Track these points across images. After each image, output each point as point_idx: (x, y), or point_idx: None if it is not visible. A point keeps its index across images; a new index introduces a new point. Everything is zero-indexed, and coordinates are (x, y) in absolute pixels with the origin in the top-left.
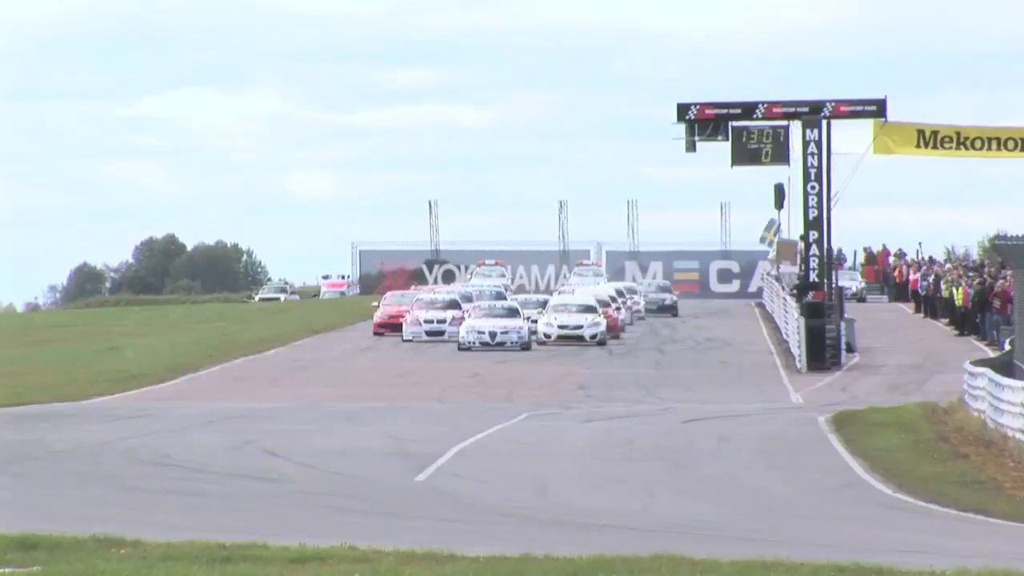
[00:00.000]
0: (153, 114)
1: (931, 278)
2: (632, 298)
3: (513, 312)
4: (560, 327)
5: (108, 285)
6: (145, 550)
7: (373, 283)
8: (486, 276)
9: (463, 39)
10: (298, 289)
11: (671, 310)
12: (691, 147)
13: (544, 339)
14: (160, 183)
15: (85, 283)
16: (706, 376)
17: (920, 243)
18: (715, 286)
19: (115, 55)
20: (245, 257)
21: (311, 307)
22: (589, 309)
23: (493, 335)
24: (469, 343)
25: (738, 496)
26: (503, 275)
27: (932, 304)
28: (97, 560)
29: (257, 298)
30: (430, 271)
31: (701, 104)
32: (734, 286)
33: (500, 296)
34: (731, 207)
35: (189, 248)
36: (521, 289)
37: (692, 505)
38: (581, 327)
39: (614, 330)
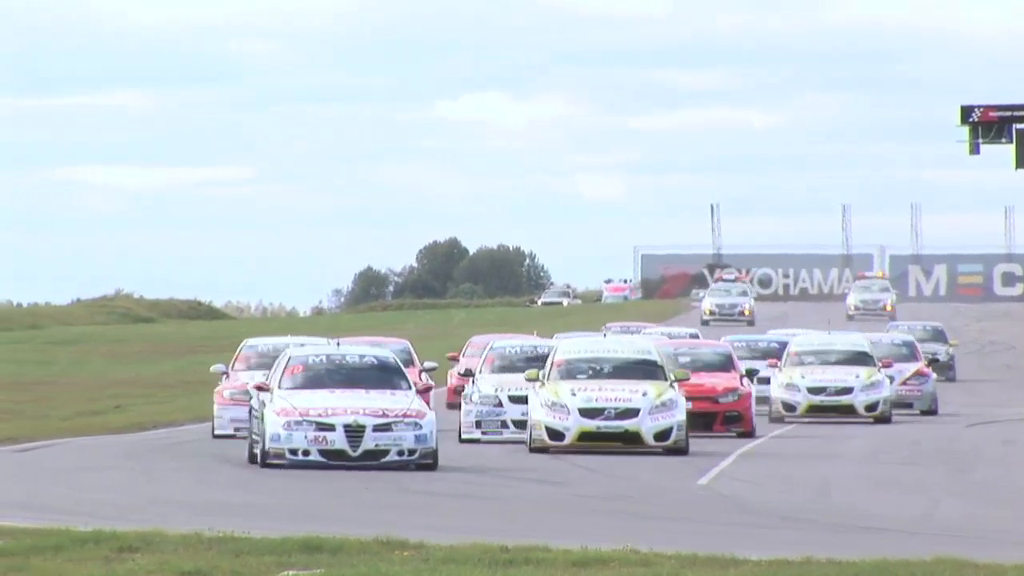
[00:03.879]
0: (444, 116)
1: None
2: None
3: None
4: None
5: (391, 289)
6: (428, 552)
7: (654, 287)
8: (725, 293)
9: (752, 41)
10: (580, 294)
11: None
12: (974, 150)
13: (784, 413)
14: (444, 186)
15: (369, 287)
16: (990, 380)
17: None
18: (999, 290)
19: (407, 59)
20: (527, 261)
21: (593, 311)
22: (860, 359)
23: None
24: None
25: (1022, 500)
26: (745, 292)
27: None
28: (380, 562)
29: (540, 302)
30: (711, 275)
31: (985, 107)
32: (1018, 289)
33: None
34: (1015, 210)
35: (472, 252)
36: (804, 294)
37: (974, 509)
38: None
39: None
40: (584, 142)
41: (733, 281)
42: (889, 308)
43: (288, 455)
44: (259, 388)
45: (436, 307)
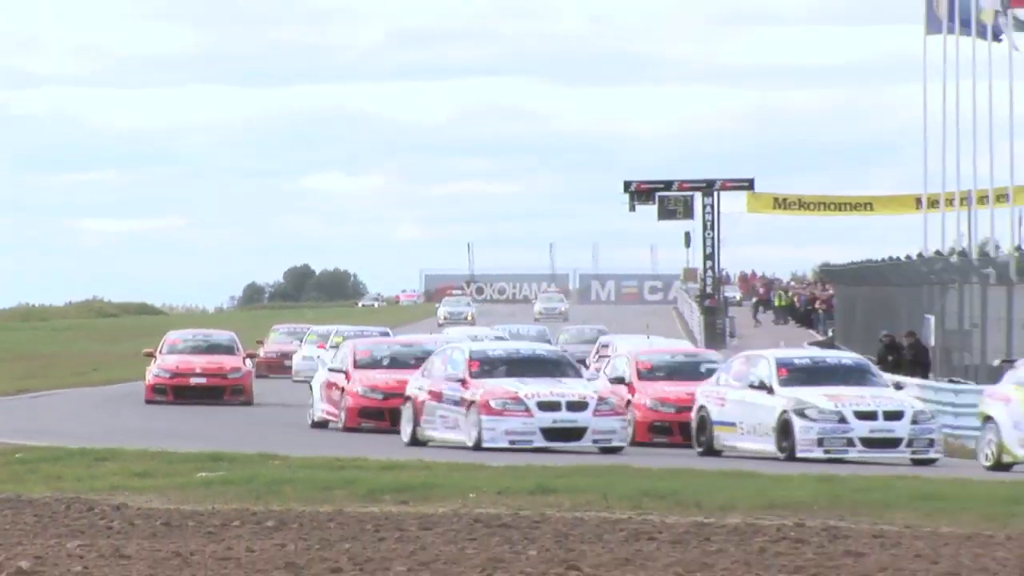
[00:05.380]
0: (307, 187)
1: (776, 290)
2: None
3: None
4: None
5: (267, 295)
6: (291, 461)
7: (431, 295)
8: (455, 303)
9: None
10: (386, 298)
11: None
12: (632, 208)
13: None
14: (301, 228)
15: (253, 294)
16: None
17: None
18: (647, 297)
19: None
20: (352, 278)
21: (395, 311)
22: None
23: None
24: None
25: None
26: (468, 304)
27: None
28: (260, 467)
29: (360, 304)
30: (467, 288)
31: (639, 181)
32: (659, 296)
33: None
34: (657, 247)
35: (318, 272)
36: (525, 299)
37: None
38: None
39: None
40: (396, 204)
41: (461, 295)
42: (563, 311)
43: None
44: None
45: (294, 308)
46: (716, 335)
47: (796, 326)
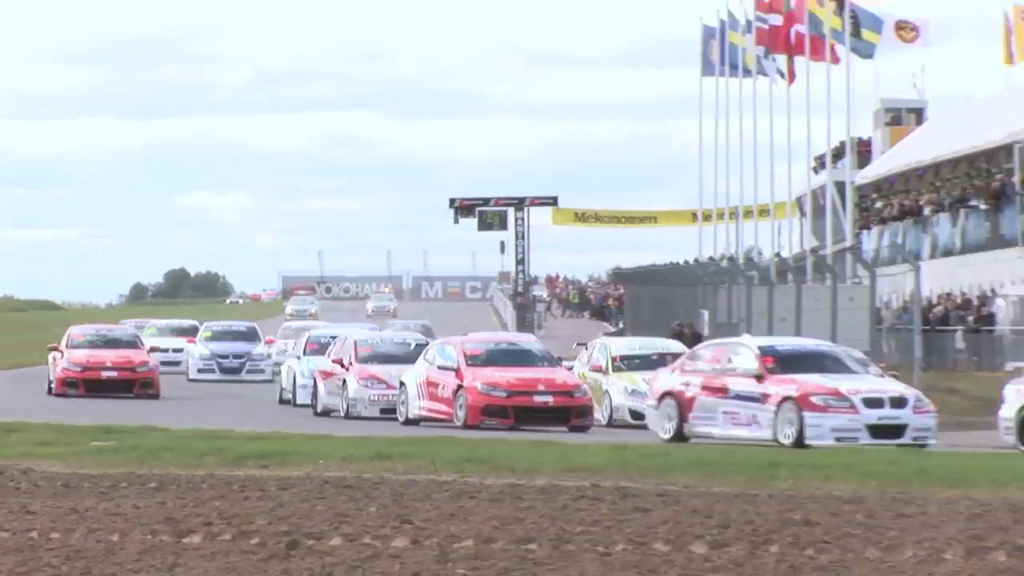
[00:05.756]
0: (183, 204)
1: (568, 290)
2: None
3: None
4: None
5: (151, 294)
6: (171, 432)
7: (288, 293)
8: (300, 301)
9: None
10: (247, 296)
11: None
12: (456, 221)
13: None
14: (179, 241)
15: (139, 293)
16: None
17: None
18: (468, 295)
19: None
20: (221, 279)
21: (259, 306)
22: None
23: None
24: None
25: None
26: (313, 303)
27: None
28: (143, 437)
29: (228, 301)
30: (319, 288)
31: (462, 198)
32: (478, 295)
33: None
34: (477, 254)
35: (192, 274)
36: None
37: None
38: None
39: None
40: (258, 218)
41: (305, 295)
42: (392, 310)
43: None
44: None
45: (173, 304)
46: (526, 327)
47: (591, 319)
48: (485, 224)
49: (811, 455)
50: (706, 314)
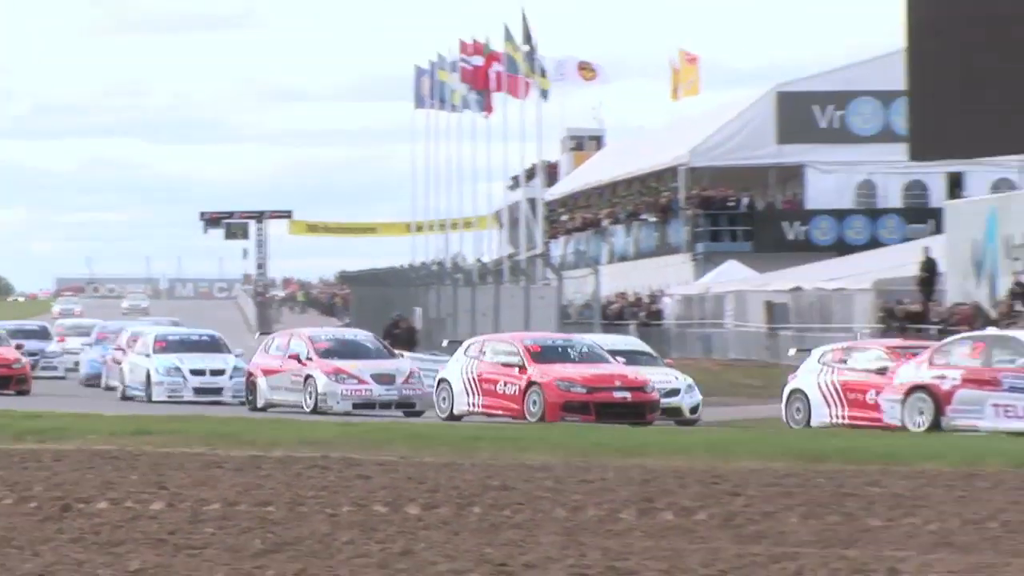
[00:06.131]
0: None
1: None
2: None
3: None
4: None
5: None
6: (103, 419)
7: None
8: (66, 302)
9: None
10: (25, 294)
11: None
12: (205, 232)
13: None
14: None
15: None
16: None
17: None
18: (216, 294)
19: None
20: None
21: (36, 304)
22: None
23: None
24: None
25: None
26: (77, 302)
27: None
28: (75, 421)
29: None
30: (88, 288)
31: (210, 212)
32: (225, 294)
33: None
34: (224, 260)
35: None
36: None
37: None
38: None
39: None
40: (36, 228)
41: (70, 296)
42: (145, 308)
43: None
44: None
45: None
46: (266, 321)
47: (320, 315)
48: (230, 234)
49: (505, 429)
50: (419, 310)
